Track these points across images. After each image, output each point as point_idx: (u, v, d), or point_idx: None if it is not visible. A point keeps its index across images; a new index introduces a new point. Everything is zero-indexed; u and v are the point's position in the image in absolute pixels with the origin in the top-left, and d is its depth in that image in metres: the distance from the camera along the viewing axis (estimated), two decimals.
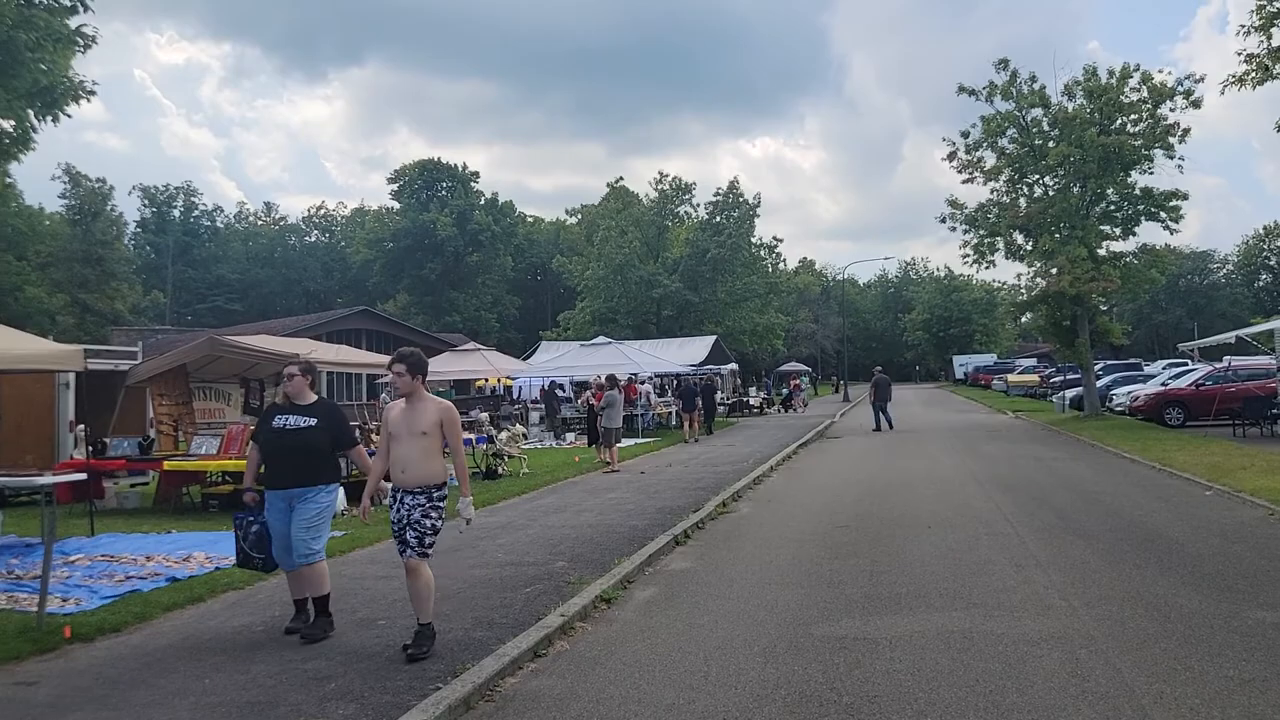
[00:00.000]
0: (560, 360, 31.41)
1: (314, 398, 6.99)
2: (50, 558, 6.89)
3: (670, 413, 30.68)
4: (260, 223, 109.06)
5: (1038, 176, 30.45)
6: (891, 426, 27.80)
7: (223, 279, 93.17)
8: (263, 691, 5.36)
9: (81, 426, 13.18)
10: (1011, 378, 54.35)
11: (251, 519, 6.84)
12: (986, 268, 31.87)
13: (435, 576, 8.38)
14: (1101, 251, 29.79)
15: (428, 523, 6.11)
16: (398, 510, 6.17)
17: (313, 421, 6.75)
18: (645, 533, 10.55)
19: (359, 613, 7.21)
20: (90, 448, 13.81)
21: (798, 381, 53.10)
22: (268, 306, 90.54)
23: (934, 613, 6.96)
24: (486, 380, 33.69)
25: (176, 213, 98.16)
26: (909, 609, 7.11)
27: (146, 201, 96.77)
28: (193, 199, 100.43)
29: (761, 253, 61.38)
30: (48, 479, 11.04)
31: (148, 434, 14.30)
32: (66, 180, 75.93)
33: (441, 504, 6.22)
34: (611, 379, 18.76)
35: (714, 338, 38.46)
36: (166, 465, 13.10)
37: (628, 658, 6.11)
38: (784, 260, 73.82)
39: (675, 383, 32.35)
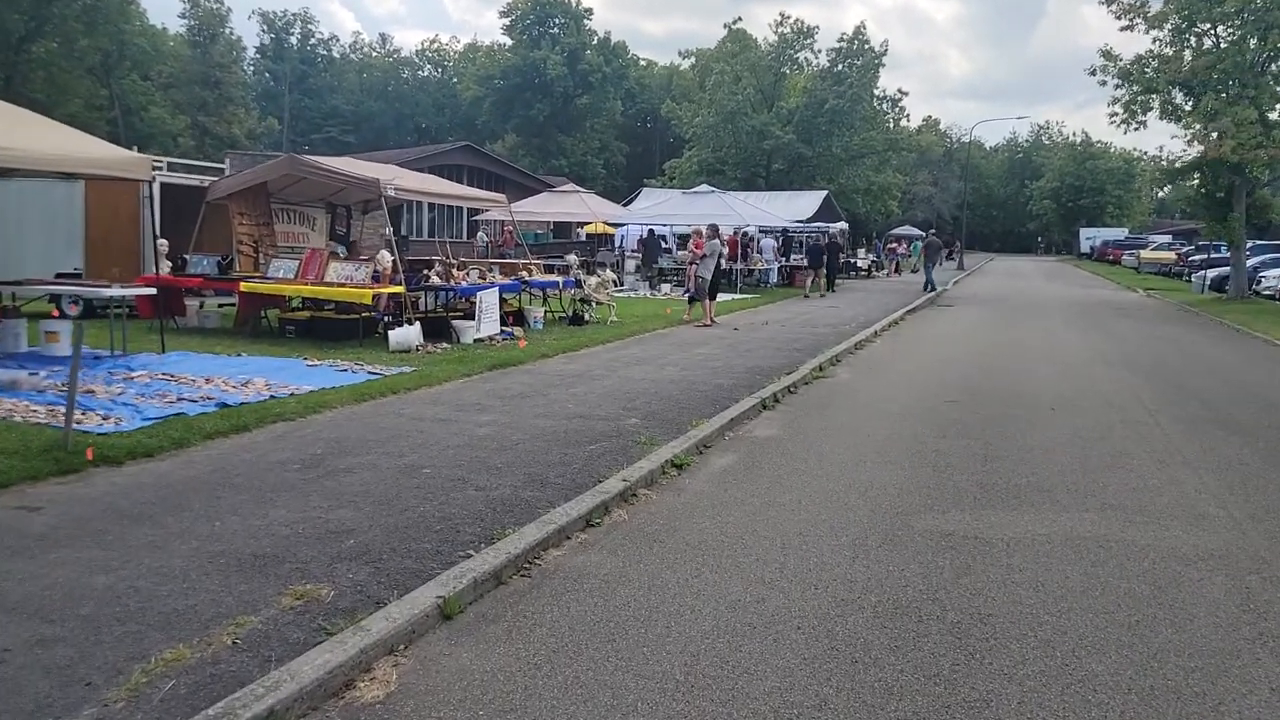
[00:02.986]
0: (661, 208, 30.06)
1: None
2: (76, 372, 6.34)
3: (772, 269, 29.33)
4: (375, 55, 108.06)
5: (1209, 26, 26.92)
6: (933, 289, 28.26)
7: (337, 110, 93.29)
8: (274, 543, 4.72)
9: (163, 242, 12.80)
10: (1144, 254, 50.45)
11: None
12: (1136, 129, 28.89)
13: (493, 424, 7.69)
14: (1273, 115, 26.47)
15: None
16: None
17: None
18: (731, 393, 9.63)
19: (405, 458, 6.54)
20: (171, 264, 13.52)
21: (894, 244, 50.37)
22: (380, 140, 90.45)
23: (1060, 512, 5.90)
24: (583, 226, 32.81)
25: (294, 40, 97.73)
26: (1030, 505, 6.06)
27: (265, 27, 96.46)
28: (310, 26, 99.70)
29: (884, 106, 57.79)
30: (115, 291, 10.80)
31: (228, 254, 13.90)
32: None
33: None
34: (713, 228, 17.54)
35: (825, 193, 36.38)
36: (243, 286, 12.69)
37: (692, 537, 5.27)
38: (908, 116, 69.47)
39: (800, 240, 30.82)
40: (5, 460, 5.81)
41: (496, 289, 13.41)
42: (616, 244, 33.20)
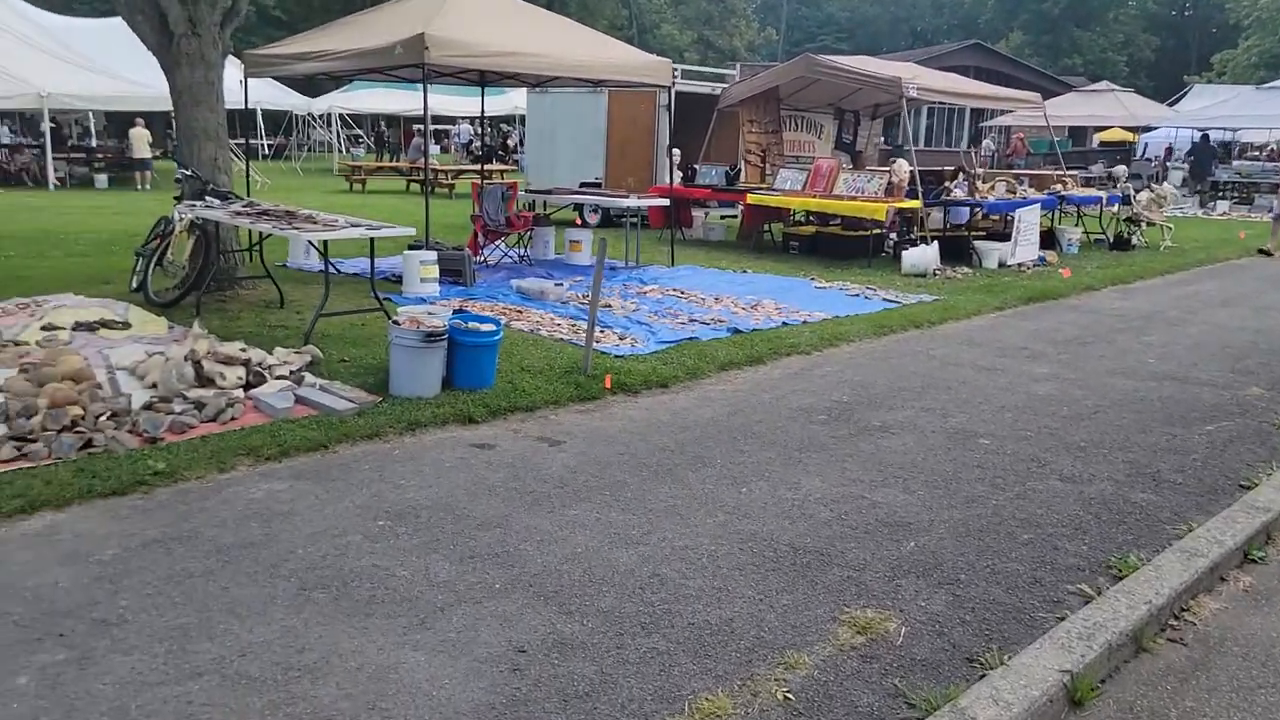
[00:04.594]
0: (1221, 109, 24.68)
1: None
2: (598, 294, 5.91)
3: None
4: None
5: None
6: None
7: (832, 17, 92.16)
8: (812, 530, 3.73)
9: (676, 151, 12.67)
10: None
11: None
12: None
13: (1053, 379, 6.03)
14: None
15: None
16: None
17: None
18: None
19: (951, 418, 5.26)
20: (681, 174, 13.40)
21: None
22: (874, 46, 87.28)
23: None
24: (1098, 132, 28.32)
25: None
26: None
27: None
28: None
29: None
30: (632, 201, 10.73)
31: (735, 164, 13.45)
32: None
33: None
34: None
35: None
36: (749, 199, 12.11)
37: None
38: None
39: None
40: (531, 381, 5.56)
41: (1037, 206, 11.37)
42: (1139, 152, 28.25)
